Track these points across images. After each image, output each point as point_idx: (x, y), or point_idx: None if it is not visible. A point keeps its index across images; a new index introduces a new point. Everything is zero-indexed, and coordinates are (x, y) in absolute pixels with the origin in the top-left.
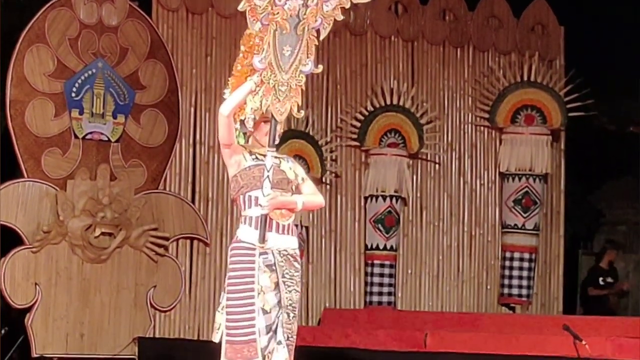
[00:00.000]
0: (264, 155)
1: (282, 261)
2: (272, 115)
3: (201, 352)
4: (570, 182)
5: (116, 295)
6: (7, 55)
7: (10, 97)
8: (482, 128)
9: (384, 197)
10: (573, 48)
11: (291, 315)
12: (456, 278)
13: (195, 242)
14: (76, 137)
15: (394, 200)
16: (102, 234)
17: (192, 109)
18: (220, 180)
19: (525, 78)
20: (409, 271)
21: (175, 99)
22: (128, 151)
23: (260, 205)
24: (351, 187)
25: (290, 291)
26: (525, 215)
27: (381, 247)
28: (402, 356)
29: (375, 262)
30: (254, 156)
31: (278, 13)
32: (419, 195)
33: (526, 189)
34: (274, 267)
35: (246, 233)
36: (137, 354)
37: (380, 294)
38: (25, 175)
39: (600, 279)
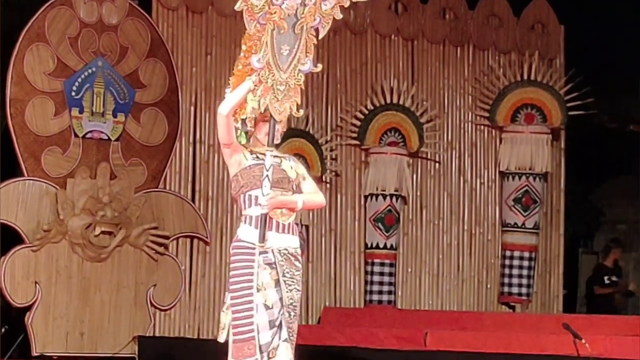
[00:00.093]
0: (264, 155)
1: (282, 260)
2: (271, 115)
3: (201, 350)
4: (571, 181)
5: (116, 294)
6: (7, 54)
7: (11, 95)
8: (482, 127)
9: (384, 196)
10: (573, 47)
11: (292, 314)
12: (456, 277)
13: (195, 240)
14: (76, 135)
15: (394, 199)
16: (102, 232)
17: (192, 108)
18: (220, 179)
19: (526, 77)
20: (409, 270)
21: (175, 98)
22: (128, 150)
23: (260, 205)
24: (351, 185)
25: (290, 290)
26: (525, 214)
27: (381, 245)
28: (402, 355)
29: (375, 260)
30: (254, 155)
31: (275, 12)
32: (419, 194)
33: (526, 187)
34: (274, 266)
35: (246, 232)
36: (137, 352)
37: (380, 292)
38: (26, 174)
39: (606, 277)
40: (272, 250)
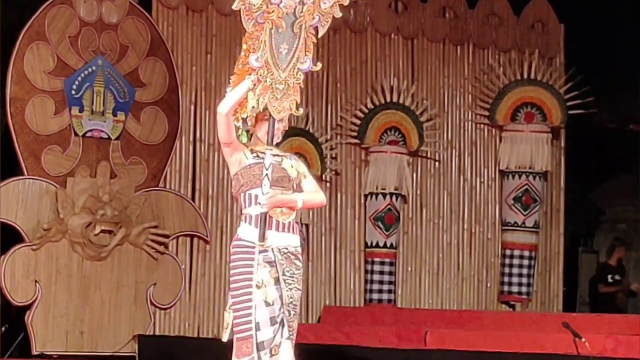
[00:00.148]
0: (265, 153)
1: (282, 259)
2: (270, 114)
3: (201, 349)
4: (570, 180)
5: (116, 293)
6: (8, 52)
7: (11, 94)
8: (482, 126)
9: (384, 195)
10: (573, 46)
11: (292, 312)
12: (456, 276)
13: (195, 239)
14: (76, 134)
15: (394, 197)
16: (102, 231)
17: (192, 107)
18: (220, 178)
19: (525, 76)
20: (409, 269)
21: (175, 97)
22: (128, 149)
23: (260, 204)
24: (351, 184)
25: (290, 289)
26: (525, 212)
27: (381, 244)
28: (402, 354)
29: (375, 259)
30: (254, 154)
31: (273, 12)
32: (419, 192)
33: (526, 186)
34: (274, 264)
35: (246, 231)
36: (137, 351)
37: (380, 291)
38: (26, 173)
39: (609, 276)
40: (272, 249)
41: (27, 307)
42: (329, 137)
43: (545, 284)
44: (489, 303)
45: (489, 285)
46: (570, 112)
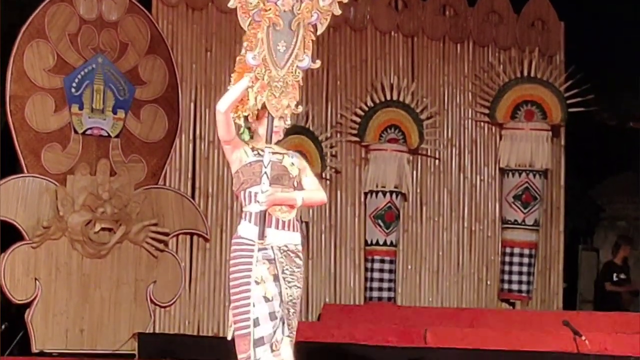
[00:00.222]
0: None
1: (281, 257)
2: (269, 112)
3: (201, 347)
4: (570, 178)
5: (116, 291)
6: (7, 50)
7: (10, 92)
8: (482, 123)
9: (384, 193)
10: (573, 44)
11: (291, 310)
12: (456, 274)
13: (195, 237)
14: (76, 132)
15: (394, 195)
16: (102, 229)
17: (192, 105)
18: (220, 176)
19: (525, 74)
20: (409, 267)
21: (175, 95)
22: (128, 146)
23: (258, 202)
24: (351, 182)
25: (290, 287)
26: (525, 210)
27: (381, 242)
28: (401, 352)
29: (375, 257)
30: (255, 152)
31: (270, 9)
32: (419, 190)
33: (526, 184)
34: (273, 261)
35: (246, 229)
36: (137, 349)
37: (380, 289)
38: (25, 171)
39: (614, 274)
40: (272, 247)
41: (27, 305)
42: (329, 135)
43: (545, 281)
44: (489, 301)
45: (489, 283)
46: (570, 110)
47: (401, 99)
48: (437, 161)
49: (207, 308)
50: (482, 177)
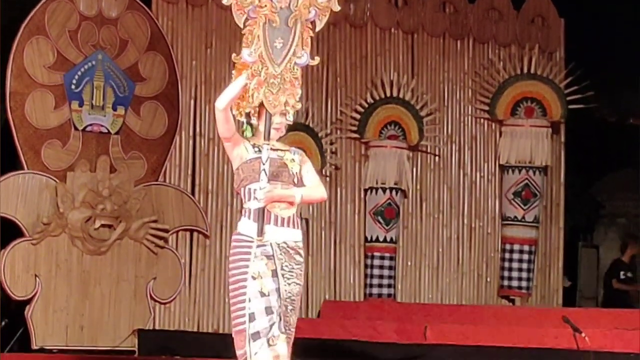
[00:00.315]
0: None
1: (281, 254)
2: (266, 109)
3: (201, 344)
4: (570, 174)
5: (116, 287)
6: (7, 47)
7: (10, 89)
8: (482, 120)
9: (384, 189)
10: (573, 40)
11: (289, 307)
12: (456, 270)
13: (195, 234)
14: (76, 129)
15: (393, 192)
16: (102, 226)
17: (192, 101)
18: (220, 173)
19: (525, 70)
20: (409, 263)
21: (175, 91)
22: (128, 143)
23: (256, 198)
24: (351, 179)
25: (289, 283)
26: (525, 207)
27: (381, 239)
28: (401, 348)
29: (375, 254)
30: (256, 149)
31: (266, 6)
32: (418, 187)
33: (526, 181)
34: (271, 257)
35: (245, 226)
36: (137, 346)
37: (380, 286)
38: (25, 167)
39: (622, 272)
40: (271, 243)
41: (27, 302)
42: (328, 132)
43: (545, 278)
44: (489, 298)
45: (488, 279)
46: (570, 106)
47: (401, 95)
48: (437, 158)
49: (207, 304)
50: (482, 174)
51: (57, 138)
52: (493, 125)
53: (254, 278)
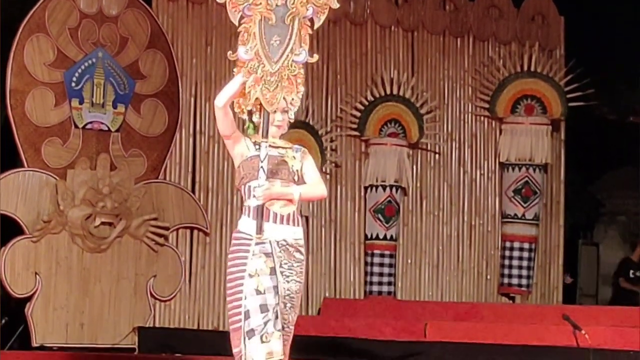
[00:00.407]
0: (270, 146)
1: (280, 252)
2: (263, 107)
3: (201, 341)
4: (570, 172)
5: (116, 285)
6: (7, 45)
7: (11, 86)
8: (482, 118)
9: (384, 187)
10: (573, 38)
11: (288, 305)
12: (456, 268)
13: (195, 231)
14: (76, 126)
15: (394, 190)
16: (102, 223)
17: (192, 99)
18: (220, 170)
19: (526, 68)
20: (409, 261)
21: (175, 89)
22: (128, 141)
23: (254, 196)
24: (351, 177)
25: (288, 281)
26: (525, 205)
27: (381, 236)
28: (401, 346)
29: (375, 251)
30: (257, 146)
31: (261, 3)
32: (419, 185)
33: (526, 178)
34: (270, 255)
35: (245, 223)
36: (137, 343)
37: (380, 283)
38: (26, 165)
39: (631, 271)
40: (270, 241)
41: (27, 299)
42: (329, 130)
43: (545, 276)
44: (489, 295)
45: (488, 277)
46: (570, 104)
47: (401, 93)
48: (437, 155)
49: (207, 302)
50: (482, 172)
51: (57, 136)
52: (493, 123)
53: (250, 276)
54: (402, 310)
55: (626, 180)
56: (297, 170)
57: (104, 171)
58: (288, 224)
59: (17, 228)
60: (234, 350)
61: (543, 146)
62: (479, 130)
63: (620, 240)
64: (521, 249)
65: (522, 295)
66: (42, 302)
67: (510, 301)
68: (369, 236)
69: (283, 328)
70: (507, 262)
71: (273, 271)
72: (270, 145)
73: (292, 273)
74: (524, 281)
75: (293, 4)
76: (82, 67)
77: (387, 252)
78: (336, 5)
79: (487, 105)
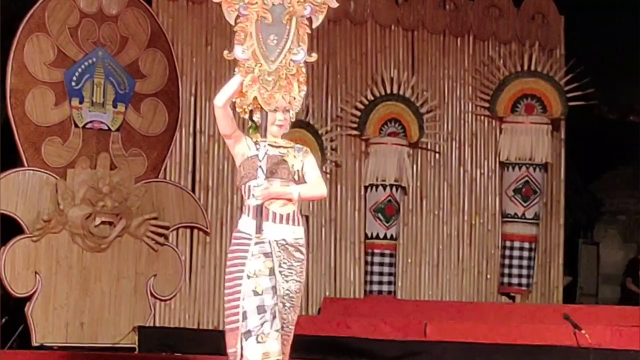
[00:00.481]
0: (271, 145)
1: (279, 251)
2: (261, 106)
3: (201, 340)
4: (571, 171)
5: (116, 284)
6: (8, 44)
7: (11, 86)
8: (482, 117)
9: (384, 186)
10: (573, 37)
11: (287, 304)
12: (456, 267)
13: (195, 231)
14: (76, 126)
15: (394, 189)
16: (102, 222)
17: (192, 98)
18: (220, 170)
19: (526, 67)
20: (409, 260)
21: (175, 88)
22: (128, 140)
23: (253, 196)
24: (351, 176)
25: (287, 281)
26: (525, 204)
27: (381, 236)
28: (401, 345)
29: (375, 251)
30: (257, 146)
31: (256, 3)
32: (419, 184)
33: (526, 178)
34: (269, 255)
35: (245, 223)
36: (137, 342)
37: (380, 283)
38: (26, 164)
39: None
40: (269, 241)
41: (27, 299)
42: (329, 129)
43: (546, 275)
44: (489, 294)
45: (489, 276)
46: (571, 103)
47: (401, 92)
48: (437, 155)
49: (207, 301)
50: (482, 171)
51: (57, 135)
52: (493, 122)
53: (249, 277)
54: (402, 310)
55: (626, 179)
56: (297, 170)
57: (104, 170)
58: (288, 223)
59: (17, 227)
60: (229, 351)
61: (543, 145)
62: (479, 130)
63: (620, 239)
64: (521, 249)
65: (522, 294)
66: (42, 301)
67: (511, 301)
68: (369, 235)
69: (282, 328)
70: (507, 261)
71: (272, 271)
72: (271, 145)
73: (291, 273)
74: (524, 280)
75: (290, 3)
76: (82, 66)
77: (387, 252)
78: (335, 5)
79: (487, 105)
